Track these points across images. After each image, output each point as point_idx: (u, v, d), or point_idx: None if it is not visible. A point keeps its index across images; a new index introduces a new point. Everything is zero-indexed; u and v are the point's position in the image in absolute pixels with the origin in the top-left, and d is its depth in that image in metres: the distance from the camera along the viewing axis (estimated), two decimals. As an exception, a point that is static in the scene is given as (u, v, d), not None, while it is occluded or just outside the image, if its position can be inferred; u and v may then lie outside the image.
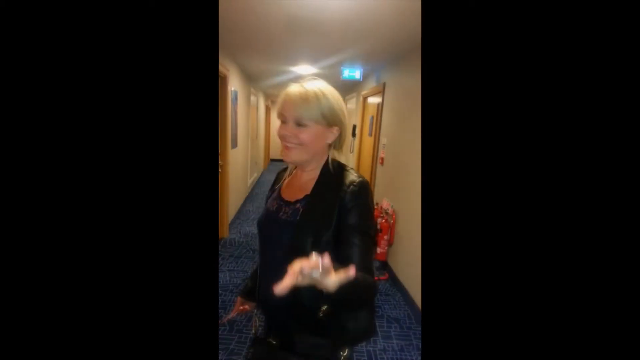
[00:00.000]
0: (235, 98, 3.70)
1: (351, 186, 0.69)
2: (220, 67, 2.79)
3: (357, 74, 3.43)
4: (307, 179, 0.77)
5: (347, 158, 4.83)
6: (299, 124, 0.71)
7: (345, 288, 0.51)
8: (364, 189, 0.70)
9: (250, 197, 5.20)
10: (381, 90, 3.28)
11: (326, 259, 0.48)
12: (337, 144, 0.77)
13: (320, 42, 2.55)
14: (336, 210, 0.68)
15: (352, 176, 0.72)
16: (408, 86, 2.58)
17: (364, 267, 0.66)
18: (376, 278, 2.71)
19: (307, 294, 0.59)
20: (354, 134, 4.62)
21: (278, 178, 0.88)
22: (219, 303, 2.18)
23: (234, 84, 3.54)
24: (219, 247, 3.16)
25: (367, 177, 3.69)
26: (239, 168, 4.29)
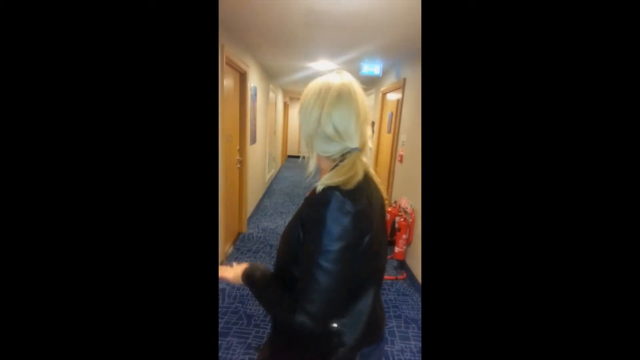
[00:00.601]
0: (255, 94, 3.72)
1: (313, 196, 0.60)
2: (240, 64, 2.81)
3: (376, 69, 3.38)
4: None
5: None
6: None
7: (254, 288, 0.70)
8: (323, 203, 0.58)
9: (268, 193, 5.25)
10: (401, 86, 3.21)
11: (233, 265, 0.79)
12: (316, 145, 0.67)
13: (339, 36, 2.52)
14: (299, 221, 0.63)
15: (323, 184, 0.60)
16: (429, 82, 2.51)
17: (302, 302, 0.58)
18: (394, 277, 2.69)
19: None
20: (372, 131, 4.56)
21: None
22: (237, 297, 2.21)
23: (253, 81, 3.56)
24: (237, 241, 3.21)
25: (385, 175, 3.63)
26: (258, 164, 4.33)
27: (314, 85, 0.69)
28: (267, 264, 2.76)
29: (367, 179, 0.65)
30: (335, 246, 0.57)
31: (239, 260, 2.81)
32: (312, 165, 0.69)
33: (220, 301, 2.15)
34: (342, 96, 0.65)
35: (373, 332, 0.72)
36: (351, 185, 0.59)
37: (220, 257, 2.55)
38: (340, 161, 0.65)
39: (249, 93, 3.32)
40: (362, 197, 0.60)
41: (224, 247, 2.71)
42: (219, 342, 1.77)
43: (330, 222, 0.57)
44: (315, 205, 0.59)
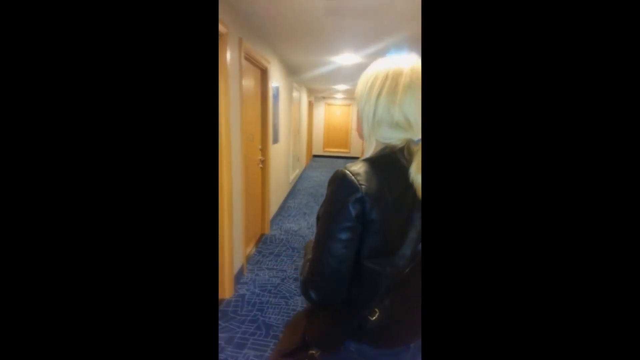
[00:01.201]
0: (277, 93, 3.63)
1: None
2: (260, 60, 2.72)
3: (404, 61, 3.16)
4: None
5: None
6: None
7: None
8: (332, 181, 0.63)
9: (292, 193, 5.16)
10: (432, 78, 2.99)
11: None
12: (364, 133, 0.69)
13: (362, 25, 2.35)
14: None
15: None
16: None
17: (308, 277, 0.64)
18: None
19: None
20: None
21: None
22: (256, 305, 2.10)
23: (275, 78, 3.46)
24: (260, 243, 3.12)
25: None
26: (281, 164, 4.24)
27: (380, 68, 0.66)
28: (287, 268, 2.64)
29: (398, 164, 0.63)
30: (337, 226, 0.60)
31: (260, 263, 2.71)
32: (370, 154, 0.67)
33: (238, 309, 2.05)
34: (415, 82, 0.63)
35: (386, 336, 0.67)
36: (365, 167, 0.61)
37: (242, 259, 2.46)
38: (400, 149, 0.63)
39: (270, 91, 3.22)
40: (378, 180, 0.60)
41: (246, 249, 2.62)
42: (235, 355, 1.66)
43: (336, 202, 0.61)
44: (329, 184, 0.63)
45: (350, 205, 0.58)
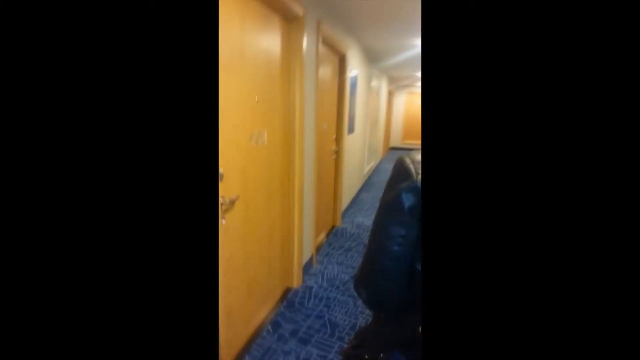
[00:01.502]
0: (355, 81, 3.48)
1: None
2: (339, 45, 2.59)
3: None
4: None
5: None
6: None
7: None
8: (392, 169, 0.59)
9: (366, 186, 4.99)
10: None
11: None
12: None
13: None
14: None
15: None
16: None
17: (358, 271, 0.62)
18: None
19: None
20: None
21: None
22: (324, 299, 2.03)
23: (353, 66, 3.31)
24: (330, 235, 3.06)
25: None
26: (355, 155, 4.10)
27: None
28: (357, 264, 2.52)
29: None
30: (391, 219, 0.55)
31: (329, 255, 2.64)
32: None
33: (305, 300, 2.01)
34: None
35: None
36: None
37: (311, 250, 2.42)
38: None
39: (348, 78, 3.08)
40: None
41: (316, 238, 2.58)
42: (299, 350, 1.61)
43: (389, 191, 0.56)
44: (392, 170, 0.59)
45: (404, 195, 0.53)
